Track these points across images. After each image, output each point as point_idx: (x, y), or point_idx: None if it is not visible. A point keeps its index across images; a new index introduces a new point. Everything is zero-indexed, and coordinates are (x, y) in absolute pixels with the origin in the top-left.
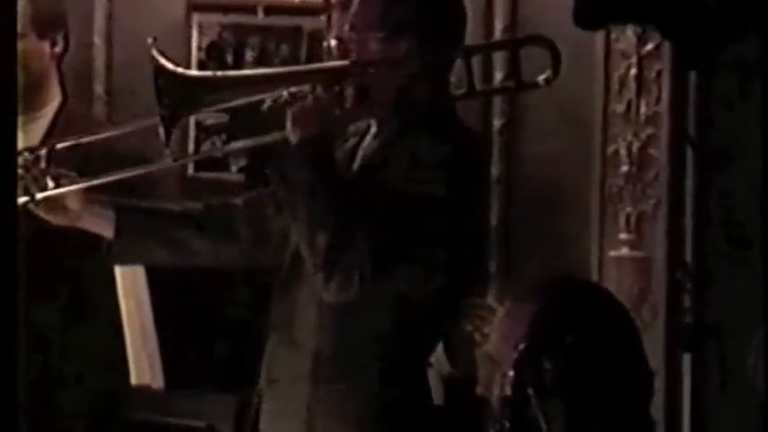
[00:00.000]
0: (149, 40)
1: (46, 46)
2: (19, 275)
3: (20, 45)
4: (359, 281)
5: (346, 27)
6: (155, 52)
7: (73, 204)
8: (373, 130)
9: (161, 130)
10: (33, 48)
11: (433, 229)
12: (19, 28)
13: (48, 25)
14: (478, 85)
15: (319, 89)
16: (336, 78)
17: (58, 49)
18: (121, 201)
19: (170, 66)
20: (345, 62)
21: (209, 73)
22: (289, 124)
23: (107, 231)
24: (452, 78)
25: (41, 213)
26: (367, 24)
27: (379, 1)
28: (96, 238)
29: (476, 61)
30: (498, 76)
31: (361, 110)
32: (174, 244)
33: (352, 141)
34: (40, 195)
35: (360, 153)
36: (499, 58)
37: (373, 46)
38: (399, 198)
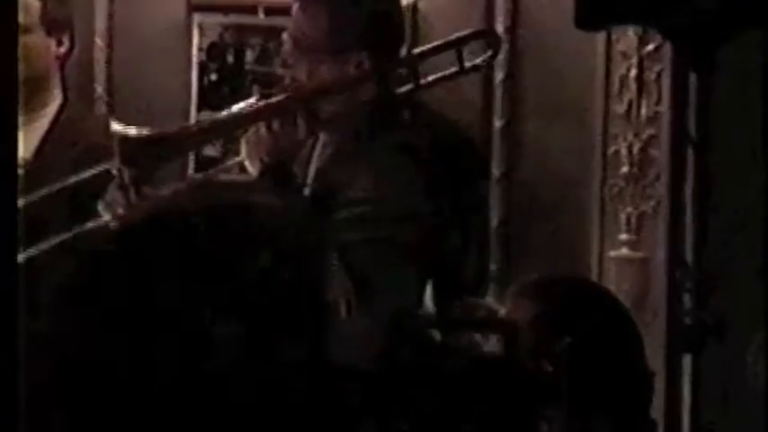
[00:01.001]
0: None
1: (52, 44)
2: (19, 275)
3: (26, 39)
4: (349, 299)
5: (287, 48)
6: (111, 122)
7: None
8: (323, 139)
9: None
10: (40, 44)
11: (402, 244)
12: (27, 22)
13: (56, 24)
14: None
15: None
16: (290, 108)
17: (63, 50)
18: None
19: (124, 129)
20: (292, 94)
21: (161, 130)
22: (245, 157)
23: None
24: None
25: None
26: (313, 43)
27: (325, 17)
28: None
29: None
30: None
31: (310, 128)
32: None
33: (304, 152)
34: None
35: (312, 164)
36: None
37: (321, 63)
38: (361, 217)
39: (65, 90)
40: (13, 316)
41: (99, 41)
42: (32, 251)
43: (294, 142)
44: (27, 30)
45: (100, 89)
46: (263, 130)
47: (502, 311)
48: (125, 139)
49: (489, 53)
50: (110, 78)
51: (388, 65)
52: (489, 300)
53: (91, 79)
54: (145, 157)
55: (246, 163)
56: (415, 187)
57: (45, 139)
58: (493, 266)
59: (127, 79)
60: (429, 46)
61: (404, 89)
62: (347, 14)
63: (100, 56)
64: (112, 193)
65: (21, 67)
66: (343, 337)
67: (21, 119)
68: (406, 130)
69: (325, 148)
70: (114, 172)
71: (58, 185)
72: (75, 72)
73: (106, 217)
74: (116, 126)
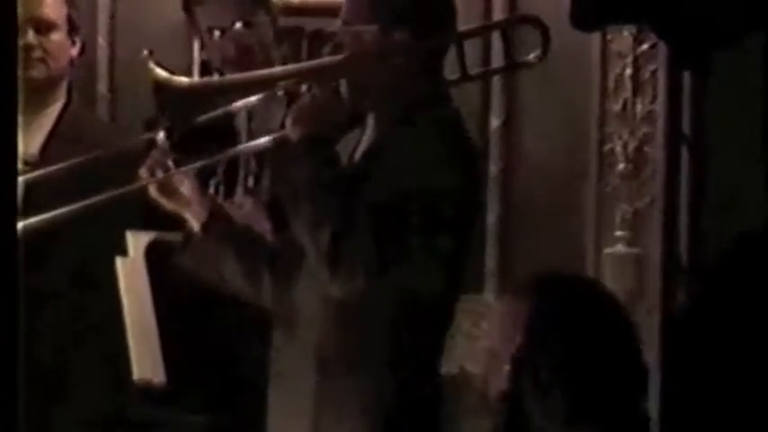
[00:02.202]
0: (144, 52)
1: (70, 44)
2: (20, 275)
3: (52, 36)
4: (363, 275)
5: (338, 20)
6: (151, 64)
7: (185, 190)
8: (371, 121)
9: (165, 140)
10: (63, 43)
11: (437, 222)
12: (53, 19)
13: (74, 24)
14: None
15: (316, 85)
16: (333, 74)
17: (75, 52)
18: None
19: (167, 75)
20: (340, 58)
21: (206, 79)
22: (289, 123)
23: (196, 222)
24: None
25: (157, 196)
26: (360, 17)
27: None
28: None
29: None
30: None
31: (359, 103)
32: (248, 267)
33: (351, 133)
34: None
35: (360, 145)
36: (497, 48)
37: (367, 39)
38: (402, 190)
39: (69, 89)
40: (14, 316)
41: (101, 41)
42: (39, 218)
43: (338, 115)
44: (52, 27)
45: (103, 89)
46: (308, 98)
47: (499, 307)
48: (164, 86)
49: (540, 50)
50: (112, 78)
51: (432, 41)
52: (487, 295)
53: (93, 78)
54: (182, 105)
55: (289, 130)
56: (458, 166)
57: (50, 137)
58: (490, 263)
59: (129, 79)
60: (473, 26)
61: (452, 78)
62: None
63: (102, 56)
64: (154, 156)
65: (46, 66)
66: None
67: (29, 116)
68: (449, 110)
69: (374, 128)
70: (159, 137)
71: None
72: (77, 71)
73: (145, 181)
74: (158, 71)
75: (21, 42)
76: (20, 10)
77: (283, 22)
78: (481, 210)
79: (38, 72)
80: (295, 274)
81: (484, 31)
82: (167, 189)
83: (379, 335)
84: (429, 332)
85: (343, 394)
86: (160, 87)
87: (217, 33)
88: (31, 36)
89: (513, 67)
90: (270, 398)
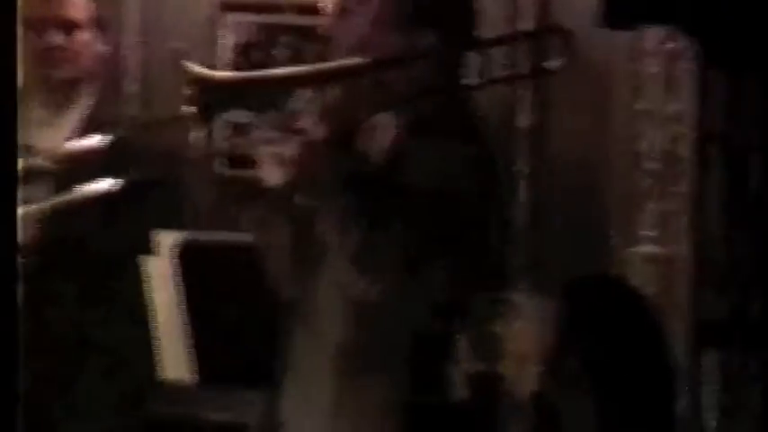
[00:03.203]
0: (177, 46)
1: (98, 44)
2: (19, 275)
3: (76, 36)
4: (390, 276)
5: (363, 23)
6: (184, 59)
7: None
8: (394, 122)
9: (194, 130)
10: (89, 42)
11: (460, 222)
12: (77, 18)
13: (104, 26)
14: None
15: (342, 85)
16: (358, 75)
17: (105, 50)
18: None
19: (198, 69)
20: (366, 60)
21: (236, 73)
22: (315, 121)
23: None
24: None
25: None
26: (387, 20)
27: None
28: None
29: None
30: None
31: (382, 104)
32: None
33: (371, 132)
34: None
35: (382, 146)
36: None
37: (392, 41)
38: (426, 192)
39: (101, 87)
40: (13, 315)
41: (131, 39)
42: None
43: (361, 114)
44: (77, 26)
45: (131, 87)
46: (334, 96)
47: (529, 307)
48: (195, 79)
49: (562, 59)
50: (140, 77)
51: (454, 45)
52: (516, 295)
53: (122, 77)
54: (209, 99)
55: (315, 129)
56: (481, 169)
57: (80, 134)
58: (519, 263)
59: (158, 77)
60: (499, 35)
61: (474, 82)
62: None
63: (130, 53)
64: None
65: (72, 65)
66: None
67: (57, 113)
68: (473, 113)
69: (393, 129)
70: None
71: None
72: (108, 69)
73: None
74: (189, 65)
75: (44, 42)
76: (43, 9)
77: (314, 21)
78: (504, 211)
79: (62, 71)
80: (319, 271)
81: (510, 40)
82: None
83: (401, 335)
84: (449, 332)
85: (361, 393)
86: (193, 80)
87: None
88: (54, 35)
89: (536, 74)
90: (285, 392)
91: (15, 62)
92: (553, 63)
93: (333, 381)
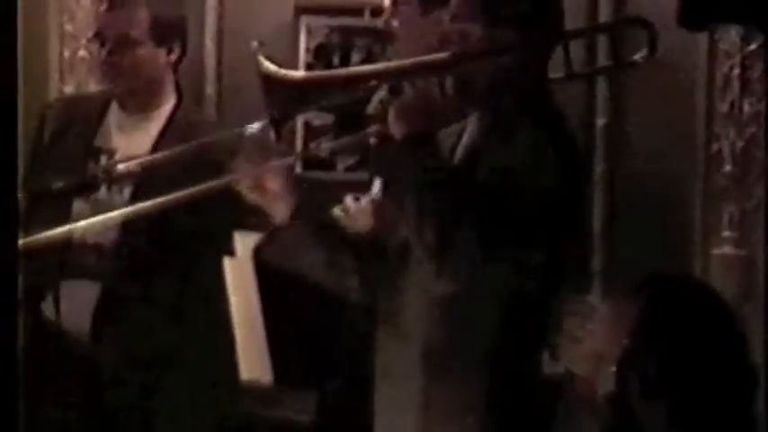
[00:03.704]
0: (254, 44)
1: (162, 53)
2: (18, 276)
3: (137, 52)
4: (468, 271)
5: (446, 17)
6: (260, 57)
7: (274, 185)
8: (474, 118)
9: (271, 131)
10: (147, 55)
11: (539, 220)
12: (136, 35)
13: (166, 33)
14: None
15: (420, 82)
16: (437, 71)
17: (173, 56)
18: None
19: (275, 68)
20: (446, 54)
21: (313, 73)
22: (392, 119)
23: (282, 214)
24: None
25: (247, 191)
26: (469, 15)
27: None
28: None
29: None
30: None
31: (463, 100)
32: (331, 259)
33: (453, 130)
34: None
35: (462, 142)
36: (602, 46)
37: (474, 36)
38: (505, 188)
39: (179, 91)
40: (13, 315)
41: (209, 43)
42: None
43: (442, 112)
44: (136, 43)
45: (210, 90)
46: (411, 95)
47: (605, 308)
48: (270, 78)
49: (646, 50)
50: (219, 79)
51: (539, 40)
52: (593, 297)
53: (201, 80)
54: (290, 99)
55: (392, 128)
56: (560, 167)
57: (160, 137)
58: (596, 264)
59: (235, 80)
60: (580, 27)
61: (557, 76)
62: None
63: (210, 58)
64: (251, 149)
65: (132, 76)
66: None
67: (136, 118)
68: (553, 110)
69: (476, 127)
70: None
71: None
72: (186, 73)
73: (239, 175)
74: (268, 64)
75: (105, 58)
76: (107, 26)
77: None
78: (582, 210)
79: (125, 85)
80: (402, 271)
81: (591, 33)
82: (256, 183)
83: (485, 334)
84: (533, 331)
85: (450, 393)
86: (270, 80)
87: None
88: (111, 53)
89: (619, 67)
90: (377, 396)
91: (15, 62)
92: (637, 56)
93: (421, 381)
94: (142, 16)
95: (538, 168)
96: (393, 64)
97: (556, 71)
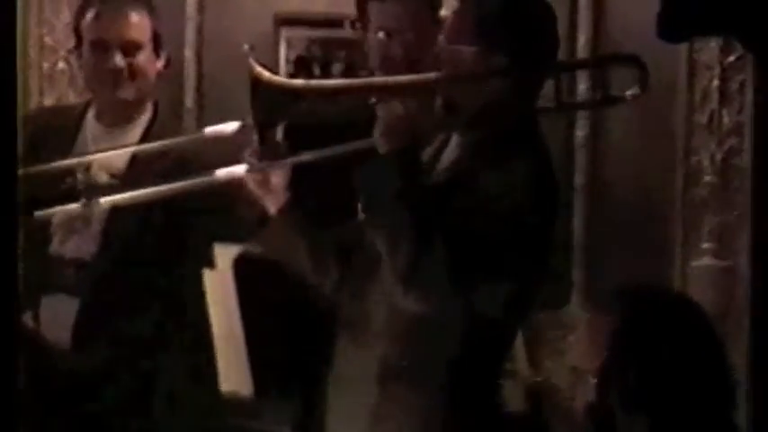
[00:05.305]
0: (246, 47)
1: (158, 61)
2: (18, 276)
3: (140, 57)
4: (435, 296)
5: (441, 38)
6: (251, 60)
7: (276, 179)
8: (456, 140)
9: (255, 136)
10: (149, 60)
11: (513, 250)
12: (141, 40)
13: (160, 41)
14: (564, 99)
15: (409, 99)
16: (429, 89)
17: (160, 65)
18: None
19: (266, 73)
20: (436, 75)
21: (302, 81)
22: (377, 134)
23: (274, 207)
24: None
25: (252, 186)
26: (462, 38)
27: (476, 15)
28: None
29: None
30: (581, 87)
31: (448, 121)
32: (317, 258)
33: (433, 149)
34: None
35: (441, 162)
36: (582, 75)
37: (467, 59)
38: (481, 214)
39: (156, 103)
40: (14, 314)
41: (188, 54)
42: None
43: (428, 129)
44: (140, 48)
45: (189, 102)
46: (399, 109)
47: (585, 320)
48: (259, 81)
49: (637, 87)
50: (198, 91)
51: (531, 67)
52: (573, 308)
53: (180, 92)
54: (274, 103)
55: (377, 141)
56: (540, 197)
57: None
58: (576, 276)
59: (215, 92)
60: (571, 60)
61: (546, 106)
62: (493, 14)
63: (189, 68)
64: (251, 144)
65: (134, 86)
66: None
67: (113, 130)
68: (537, 139)
69: (459, 145)
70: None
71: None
72: (164, 85)
73: (241, 169)
74: (257, 67)
75: (109, 65)
76: (110, 33)
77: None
78: (553, 239)
79: (127, 93)
80: (369, 282)
81: (582, 65)
82: (264, 176)
83: (445, 353)
84: (493, 353)
85: (402, 408)
86: (260, 84)
87: (381, 34)
88: (119, 59)
89: (610, 102)
90: (329, 399)
91: (15, 62)
92: (628, 93)
93: (374, 392)
94: (144, 22)
95: (521, 199)
96: (387, 79)
97: (543, 100)
